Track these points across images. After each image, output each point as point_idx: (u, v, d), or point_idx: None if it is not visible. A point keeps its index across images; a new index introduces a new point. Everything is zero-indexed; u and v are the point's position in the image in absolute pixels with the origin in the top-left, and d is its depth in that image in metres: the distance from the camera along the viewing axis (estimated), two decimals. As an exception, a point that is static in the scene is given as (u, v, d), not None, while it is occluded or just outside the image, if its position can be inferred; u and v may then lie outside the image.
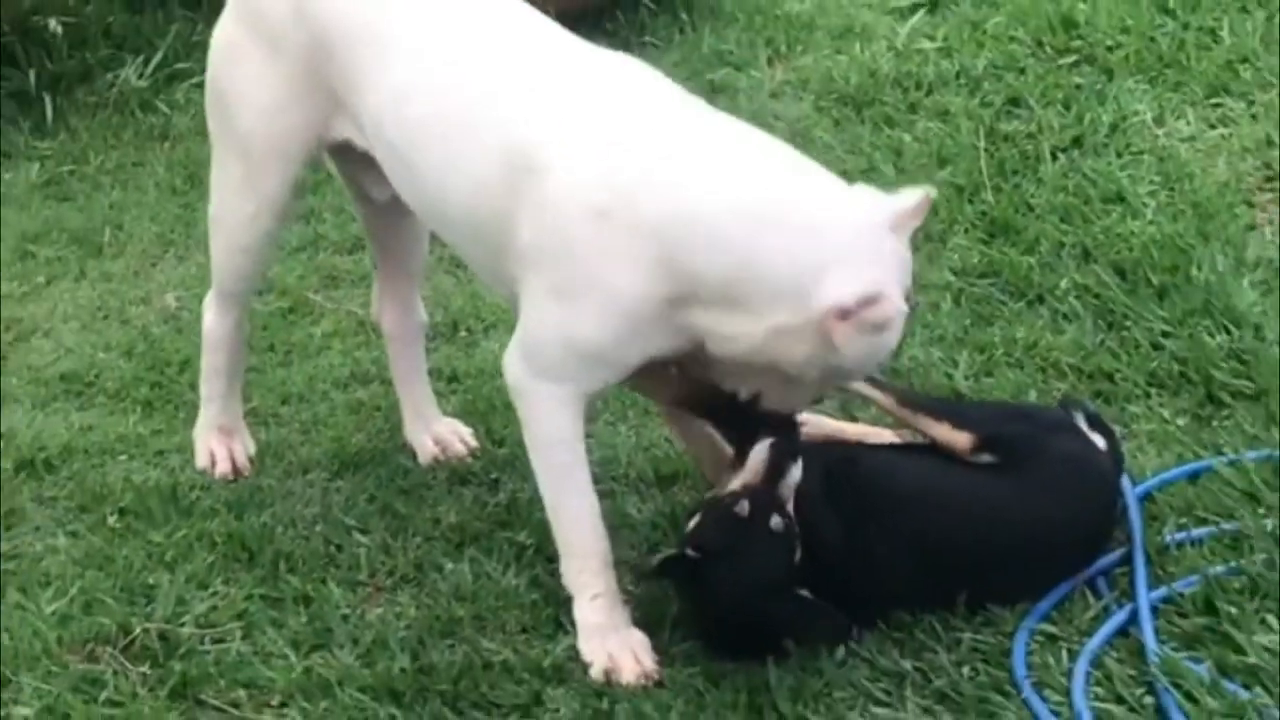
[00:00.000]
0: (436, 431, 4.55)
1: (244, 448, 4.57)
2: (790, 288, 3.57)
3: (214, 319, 4.48)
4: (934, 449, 4.02)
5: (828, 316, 3.54)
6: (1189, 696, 3.60)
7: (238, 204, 4.30)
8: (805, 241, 3.59)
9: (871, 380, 4.05)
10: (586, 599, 3.89)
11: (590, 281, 3.66)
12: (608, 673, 3.80)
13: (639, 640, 3.85)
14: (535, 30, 3.98)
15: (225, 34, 4.25)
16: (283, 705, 3.84)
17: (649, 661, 3.81)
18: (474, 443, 4.55)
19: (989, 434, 3.99)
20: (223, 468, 4.52)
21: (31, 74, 6.47)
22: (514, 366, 3.85)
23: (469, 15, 3.98)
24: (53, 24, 6.65)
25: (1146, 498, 4.16)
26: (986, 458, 3.97)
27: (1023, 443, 3.99)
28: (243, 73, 4.18)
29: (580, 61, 3.89)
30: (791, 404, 3.85)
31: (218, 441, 4.54)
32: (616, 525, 4.16)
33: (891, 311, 3.57)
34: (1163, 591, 3.84)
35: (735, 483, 3.84)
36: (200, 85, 6.32)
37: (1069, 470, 3.98)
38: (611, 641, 3.83)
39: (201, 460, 4.55)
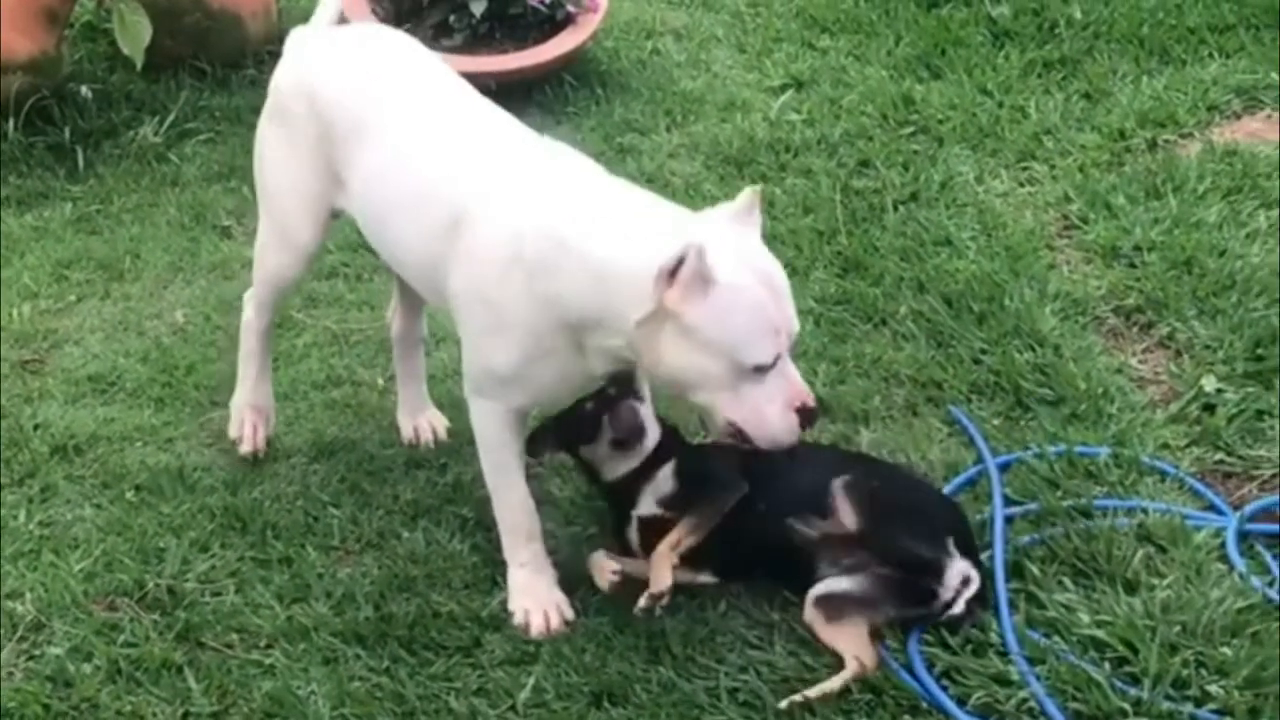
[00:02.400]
0: (418, 421, 4.55)
1: (266, 429, 4.50)
2: (628, 287, 3.41)
3: (252, 315, 4.47)
4: None
5: (657, 289, 3.35)
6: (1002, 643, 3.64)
7: (275, 251, 4.33)
8: (640, 245, 3.42)
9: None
10: (516, 565, 3.92)
11: (500, 318, 3.66)
12: (524, 625, 3.82)
13: (557, 600, 3.86)
14: (478, 117, 4.00)
15: (263, 125, 4.30)
16: (268, 647, 3.82)
17: (556, 620, 3.82)
18: (443, 435, 4.52)
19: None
20: (247, 447, 4.46)
21: (67, 130, 6.41)
22: (465, 385, 3.89)
23: (429, 108, 4.01)
24: (84, 90, 6.60)
25: (971, 483, 4.18)
26: None
27: None
28: (274, 154, 4.23)
29: (505, 140, 3.91)
30: (761, 418, 3.50)
31: (249, 417, 4.49)
32: (542, 501, 4.15)
33: (697, 261, 3.31)
34: (985, 557, 3.86)
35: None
36: (206, 141, 6.40)
37: None
38: (529, 600, 3.84)
39: (235, 431, 4.50)
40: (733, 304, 3.39)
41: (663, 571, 3.71)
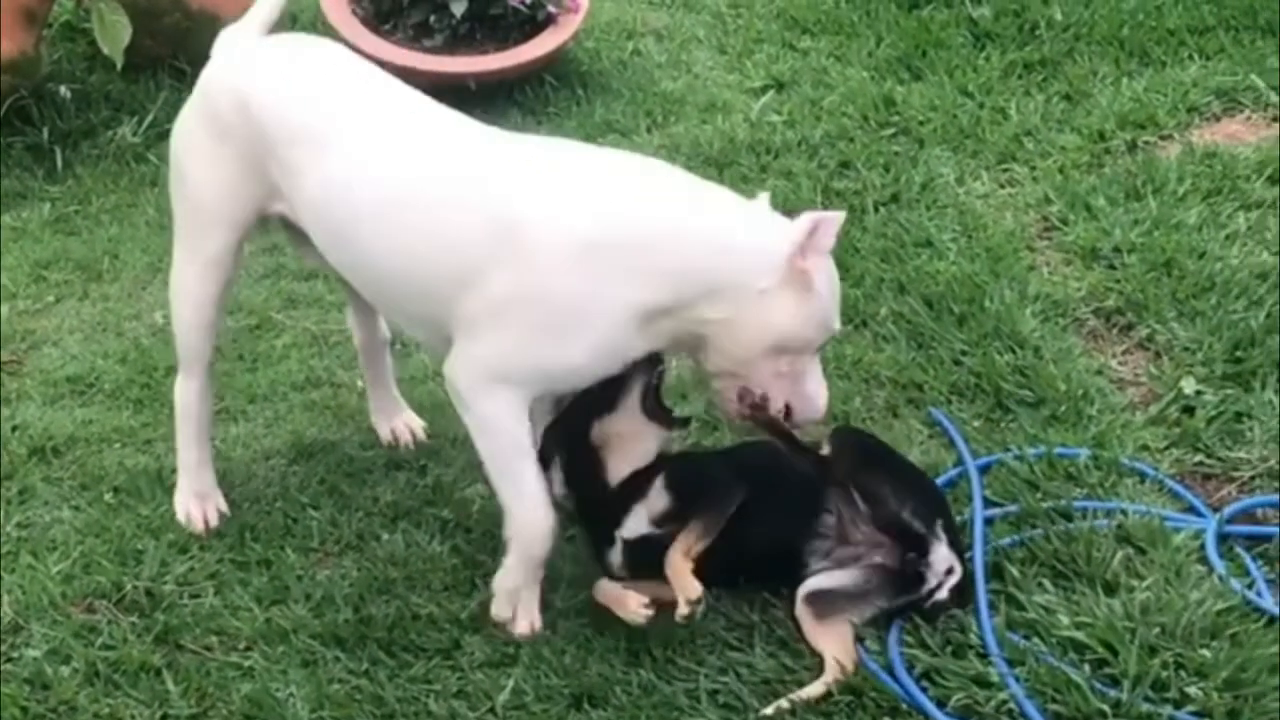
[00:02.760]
0: (394, 424, 4.51)
1: (216, 508, 4.25)
2: (756, 256, 3.59)
3: (180, 388, 4.28)
4: None
5: (795, 257, 3.56)
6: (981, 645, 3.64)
7: (188, 267, 4.15)
8: (756, 218, 3.70)
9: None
10: (517, 569, 3.81)
11: (567, 313, 3.56)
12: (501, 622, 3.80)
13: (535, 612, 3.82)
14: (452, 121, 3.89)
15: (185, 123, 4.11)
16: (247, 649, 3.81)
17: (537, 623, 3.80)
18: (421, 436, 4.49)
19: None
20: (198, 528, 4.19)
21: (45, 130, 6.40)
22: (464, 376, 3.68)
23: (394, 115, 3.90)
24: (63, 90, 6.59)
25: (951, 484, 4.18)
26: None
27: None
28: (198, 154, 4.05)
29: (517, 141, 3.85)
30: (809, 395, 3.76)
31: (195, 506, 4.23)
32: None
33: (836, 224, 3.61)
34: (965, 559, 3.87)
35: None
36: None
37: None
38: (520, 601, 3.81)
39: (182, 515, 4.24)
40: (834, 274, 3.71)
41: (686, 579, 3.62)
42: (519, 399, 3.67)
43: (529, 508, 3.75)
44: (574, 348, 3.58)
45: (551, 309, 3.56)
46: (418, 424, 4.52)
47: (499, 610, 3.82)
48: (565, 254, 3.54)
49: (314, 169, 3.86)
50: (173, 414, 4.48)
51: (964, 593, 3.73)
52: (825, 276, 3.65)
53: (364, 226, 3.80)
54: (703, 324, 3.62)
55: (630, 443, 3.85)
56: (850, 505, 3.76)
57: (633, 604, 3.69)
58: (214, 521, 4.22)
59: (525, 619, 3.80)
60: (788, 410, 3.74)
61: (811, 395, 3.76)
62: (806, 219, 3.60)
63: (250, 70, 4.01)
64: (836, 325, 3.76)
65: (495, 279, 3.57)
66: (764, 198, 3.82)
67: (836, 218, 3.63)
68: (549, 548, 3.78)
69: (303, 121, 3.89)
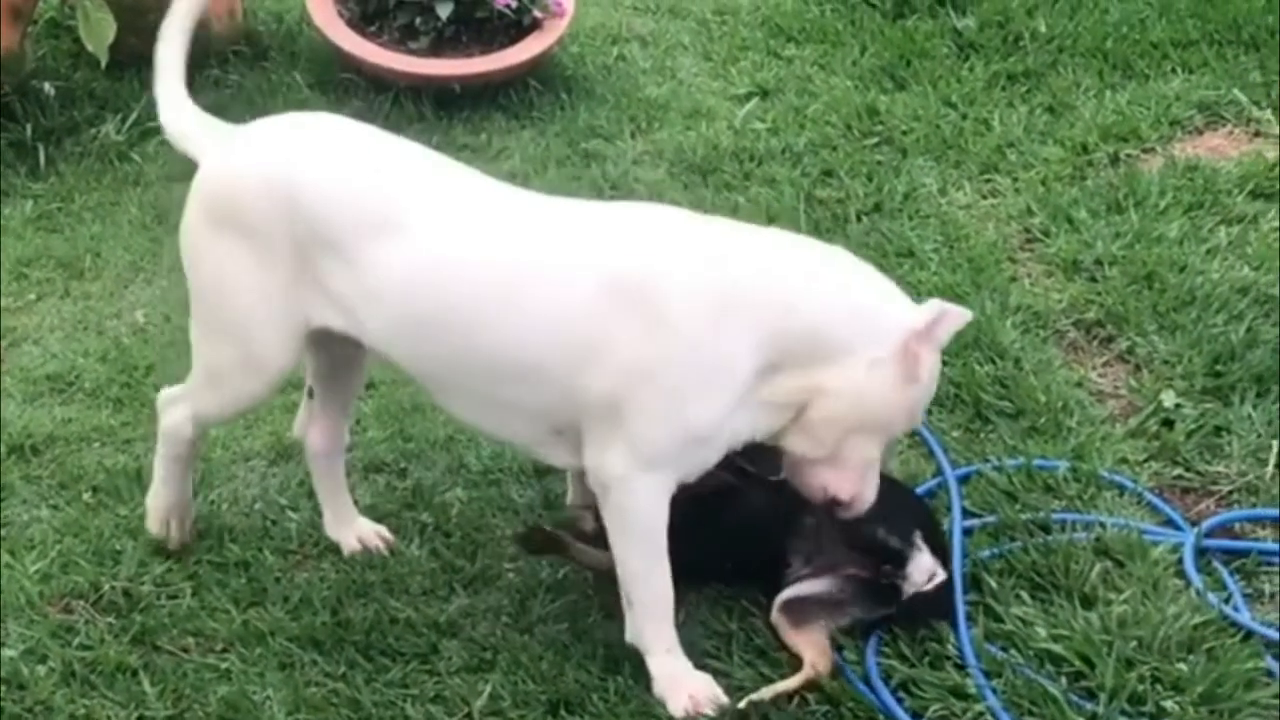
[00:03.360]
0: (359, 530, 4.14)
1: (190, 521, 4.12)
2: (869, 325, 3.52)
3: (188, 430, 4.00)
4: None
5: (910, 338, 3.49)
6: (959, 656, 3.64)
7: (240, 376, 3.81)
8: (870, 290, 3.59)
9: None
10: (662, 653, 3.64)
11: (704, 372, 3.46)
12: (689, 711, 3.56)
13: (704, 679, 3.62)
14: (513, 190, 3.76)
15: (202, 235, 3.74)
16: (224, 651, 3.80)
17: (719, 692, 3.60)
18: (391, 539, 4.14)
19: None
20: (175, 545, 4.08)
21: (28, 127, 6.37)
22: (617, 465, 3.50)
23: (466, 192, 3.69)
24: (47, 86, 6.56)
25: (930, 494, 4.19)
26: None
27: None
28: (230, 266, 3.69)
29: (605, 206, 3.81)
30: (863, 483, 3.66)
31: (173, 518, 4.09)
32: (502, 508, 4.16)
33: (960, 319, 3.61)
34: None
35: None
36: (169, 141, 6.27)
37: None
38: (686, 685, 3.60)
39: (157, 530, 4.09)
40: (938, 370, 3.63)
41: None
42: (667, 488, 3.55)
43: (654, 590, 3.63)
44: (715, 405, 3.48)
45: (688, 368, 3.46)
46: (382, 530, 4.18)
47: (678, 708, 3.58)
48: (699, 309, 3.46)
49: (383, 259, 3.58)
50: (154, 414, 4.45)
51: (943, 601, 3.72)
52: (931, 368, 3.58)
53: (460, 315, 3.58)
54: (807, 390, 3.52)
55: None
56: (825, 519, 3.75)
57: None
58: (189, 537, 4.11)
59: (698, 693, 3.61)
60: (836, 499, 3.65)
61: (865, 490, 3.66)
62: (934, 306, 3.56)
63: (290, 160, 3.69)
64: (920, 420, 3.75)
65: (626, 347, 3.46)
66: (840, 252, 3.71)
67: (963, 316, 3.63)
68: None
69: (366, 208, 3.62)
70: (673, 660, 3.64)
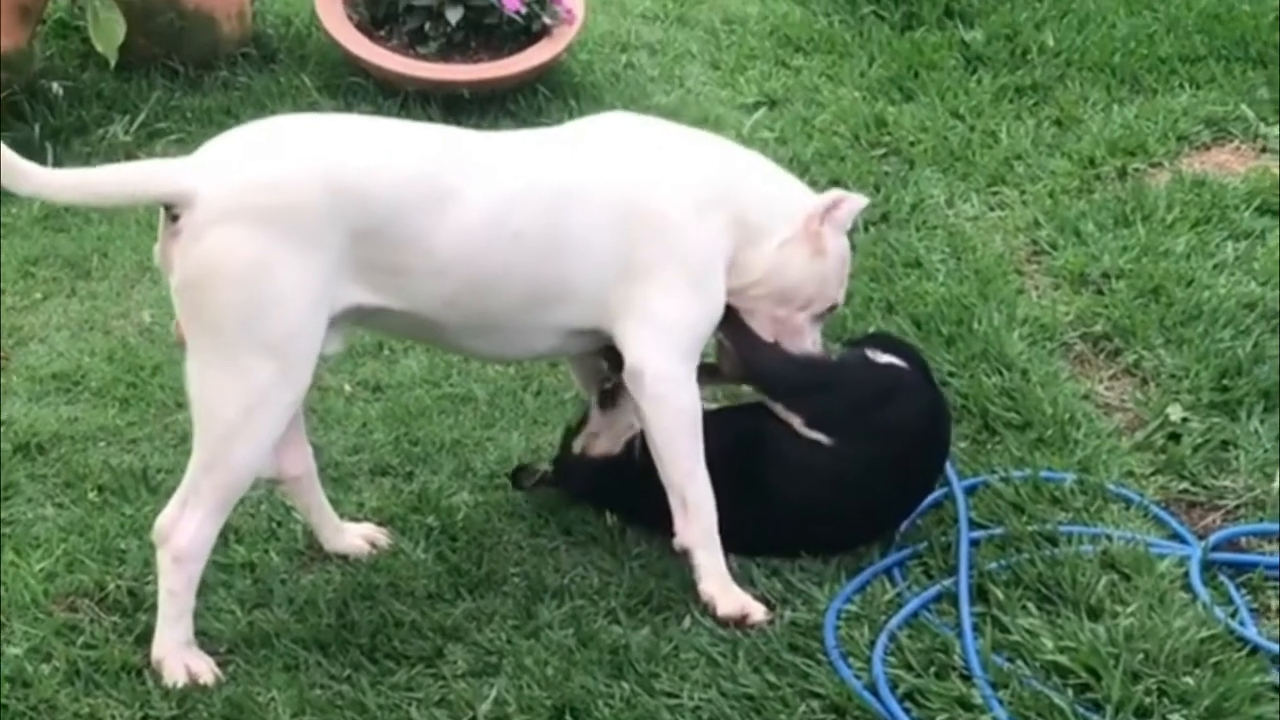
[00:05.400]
0: (353, 542, 4.10)
1: (210, 662, 3.74)
2: (786, 211, 4.02)
3: (198, 529, 3.65)
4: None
5: (812, 220, 4.00)
6: (966, 667, 3.63)
7: (275, 400, 3.60)
8: (793, 186, 4.15)
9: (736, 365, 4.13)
10: (715, 549, 3.89)
11: (702, 263, 3.89)
12: (738, 617, 3.81)
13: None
14: (521, 135, 4.11)
15: (247, 249, 3.52)
16: (229, 653, 3.78)
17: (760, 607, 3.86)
18: (385, 539, 4.14)
19: (815, 414, 4.01)
20: (208, 677, 3.68)
21: (36, 127, 6.37)
22: (659, 363, 3.84)
23: (490, 148, 3.88)
24: (55, 86, 6.56)
25: (937, 505, 4.18)
26: (818, 435, 3.99)
27: (845, 420, 4.02)
28: (279, 278, 3.53)
29: (597, 132, 4.05)
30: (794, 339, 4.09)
31: (193, 657, 3.72)
32: (508, 512, 4.17)
33: (858, 205, 4.11)
34: (950, 581, 3.87)
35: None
36: (176, 142, 6.33)
37: (886, 443, 4.01)
38: (735, 590, 3.86)
39: (180, 679, 3.67)
40: (845, 252, 4.13)
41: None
42: (694, 376, 3.88)
43: (704, 486, 3.89)
44: (715, 294, 3.93)
45: (693, 259, 3.88)
46: (372, 530, 4.17)
47: (731, 609, 3.83)
48: (689, 208, 3.89)
49: (443, 227, 3.66)
50: (159, 413, 4.47)
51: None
52: (836, 248, 4.06)
53: (520, 259, 3.75)
54: (740, 263, 3.99)
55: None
56: None
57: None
58: (217, 669, 3.74)
59: (748, 607, 3.84)
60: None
61: (805, 349, 4.10)
62: (831, 194, 4.08)
63: (336, 153, 3.65)
64: (838, 296, 4.14)
65: (647, 249, 3.83)
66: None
67: (859, 200, 4.12)
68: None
69: (422, 182, 3.67)
70: (722, 563, 3.88)
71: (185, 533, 3.64)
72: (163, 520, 3.68)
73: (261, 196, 3.55)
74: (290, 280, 3.55)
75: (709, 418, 3.89)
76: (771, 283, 4.02)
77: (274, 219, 3.54)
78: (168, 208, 3.61)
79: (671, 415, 3.85)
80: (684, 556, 3.90)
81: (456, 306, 3.76)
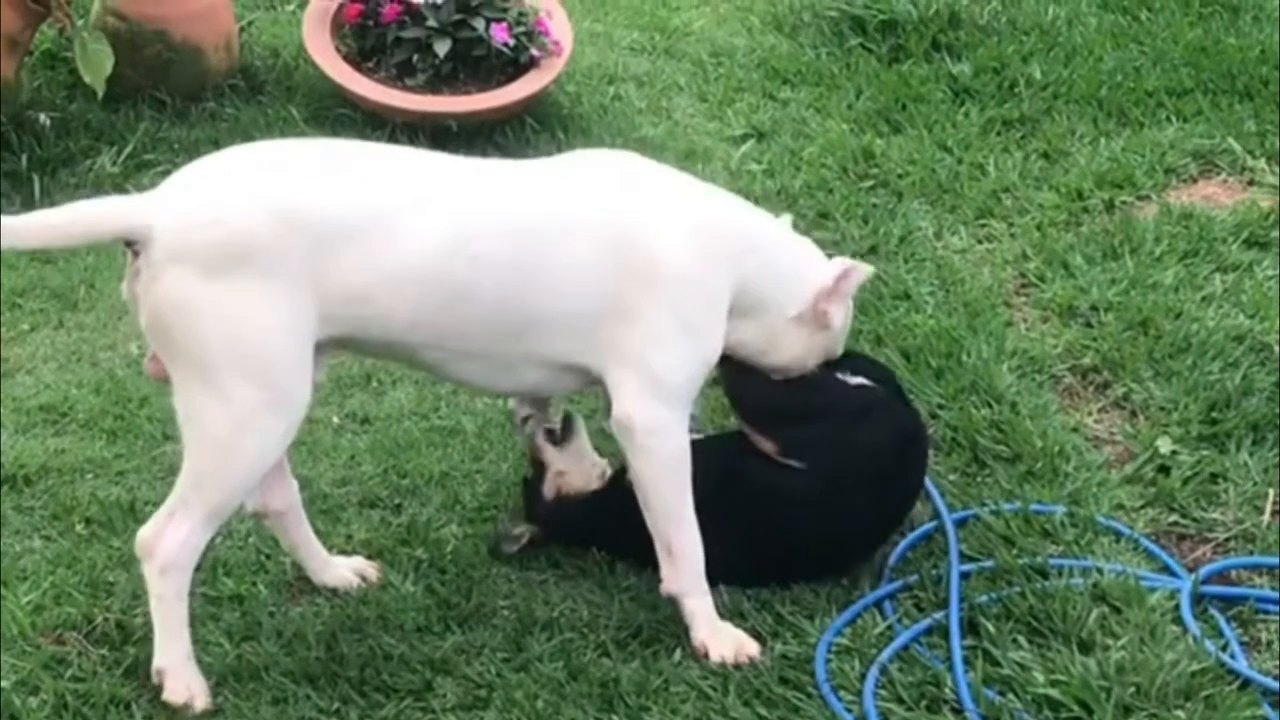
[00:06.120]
0: (344, 576, 4.10)
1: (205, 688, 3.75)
2: (794, 287, 3.99)
3: (185, 538, 3.65)
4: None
5: (820, 298, 3.98)
6: (957, 700, 3.63)
7: (269, 422, 3.59)
8: (802, 256, 4.09)
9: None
10: (702, 595, 3.88)
11: (704, 305, 3.85)
12: (735, 659, 3.79)
13: (739, 632, 3.88)
14: (514, 165, 4.11)
15: (204, 286, 3.50)
16: (218, 685, 3.77)
17: (754, 645, 3.86)
18: (375, 573, 4.14)
19: (789, 443, 4.02)
20: (201, 703, 3.69)
21: (24, 158, 6.36)
22: (648, 416, 3.79)
23: (452, 171, 3.84)
24: (43, 118, 6.55)
25: (927, 537, 4.18)
26: (793, 462, 4.01)
27: (819, 445, 4.02)
28: (244, 305, 3.51)
29: (593, 165, 4.01)
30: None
31: (190, 677, 3.72)
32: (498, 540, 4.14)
33: (864, 275, 4.09)
34: (941, 614, 3.87)
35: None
36: (164, 173, 6.18)
37: (863, 464, 4.02)
38: (727, 632, 3.86)
39: (180, 696, 3.69)
40: (849, 315, 4.19)
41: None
42: (685, 423, 3.85)
43: (691, 532, 3.87)
44: (712, 342, 3.88)
45: (688, 308, 3.82)
46: (362, 564, 4.17)
47: (726, 653, 3.81)
48: (689, 258, 3.81)
49: (405, 244, 3.61)
50: (147, 446, 4.46)
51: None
52: (841, 318, 4.09)
53: (489, 278, 3.68)
54: (742, 332, 3.97)
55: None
56: None
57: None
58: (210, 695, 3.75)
59: (742, 644, 3.84)
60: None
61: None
62: (838, 265, 4.05)
63: (281, 180, 3.62)
64: (836, 352, 4.18)
65: (633, 297, 3.77)
66: (786, 219, 4.21)
67: (865, 271, 4.09)
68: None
69: (367, 207, 3.62)
70: (710, 604, 3.87)
71: (173, 540, 3.63)
72: (145, 533, 3.67)
73: (208, 233, 3.52)
74: (255, 311, 3.53)
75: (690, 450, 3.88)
76: (770, 357, 4.05)
77: (225, 253, 3.51)
78: (128, 244, 3.58)
79: (659, 466, 3.82)
80: (672, 601, 3.90)
81: (423, 328, 3.71)
